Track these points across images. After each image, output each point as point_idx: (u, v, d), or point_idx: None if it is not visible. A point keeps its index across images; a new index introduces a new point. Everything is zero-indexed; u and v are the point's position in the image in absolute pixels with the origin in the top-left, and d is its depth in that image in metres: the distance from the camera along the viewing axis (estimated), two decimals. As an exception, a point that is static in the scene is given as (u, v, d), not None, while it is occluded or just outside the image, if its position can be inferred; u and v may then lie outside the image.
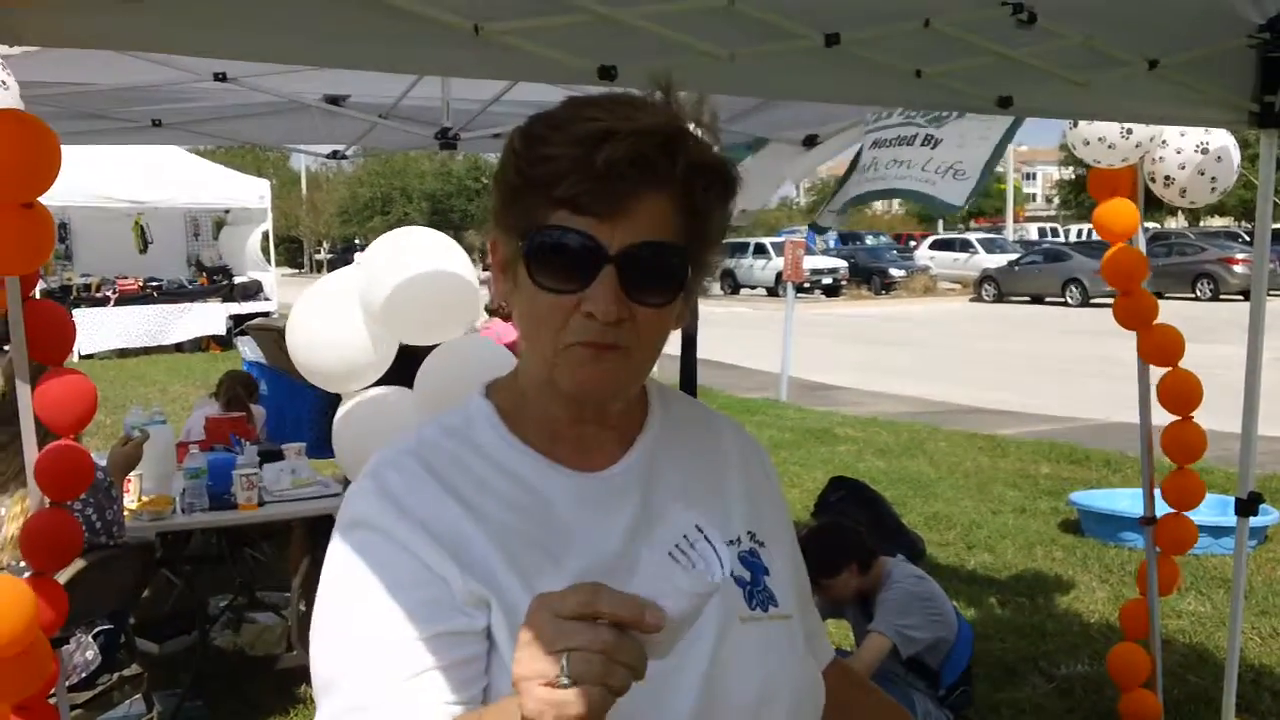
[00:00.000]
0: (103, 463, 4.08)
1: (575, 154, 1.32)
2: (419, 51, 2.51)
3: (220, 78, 5.08)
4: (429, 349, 4.72)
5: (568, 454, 1.48)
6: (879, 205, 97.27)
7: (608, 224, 1.34)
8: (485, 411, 1.52)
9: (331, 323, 4.66)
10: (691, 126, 1.41)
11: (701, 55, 2.67)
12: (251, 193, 24.65)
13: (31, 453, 3.10)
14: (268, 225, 25.43)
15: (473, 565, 1.36)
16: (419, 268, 4.42)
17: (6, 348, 6.15)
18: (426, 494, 1.40)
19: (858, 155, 5.50)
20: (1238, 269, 32.55)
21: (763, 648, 1.48)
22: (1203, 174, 4.51)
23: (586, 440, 1.50)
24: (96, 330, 22.14)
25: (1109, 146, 4.46)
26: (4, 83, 2.97)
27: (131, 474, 5.25)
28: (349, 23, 2.37)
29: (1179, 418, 4.70)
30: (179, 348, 23.53)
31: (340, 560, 1.40)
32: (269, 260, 25.86)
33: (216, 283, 24.70)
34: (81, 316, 21.51)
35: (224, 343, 23.18)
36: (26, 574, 3.66)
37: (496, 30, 2.44)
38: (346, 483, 5.56)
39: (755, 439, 1.74)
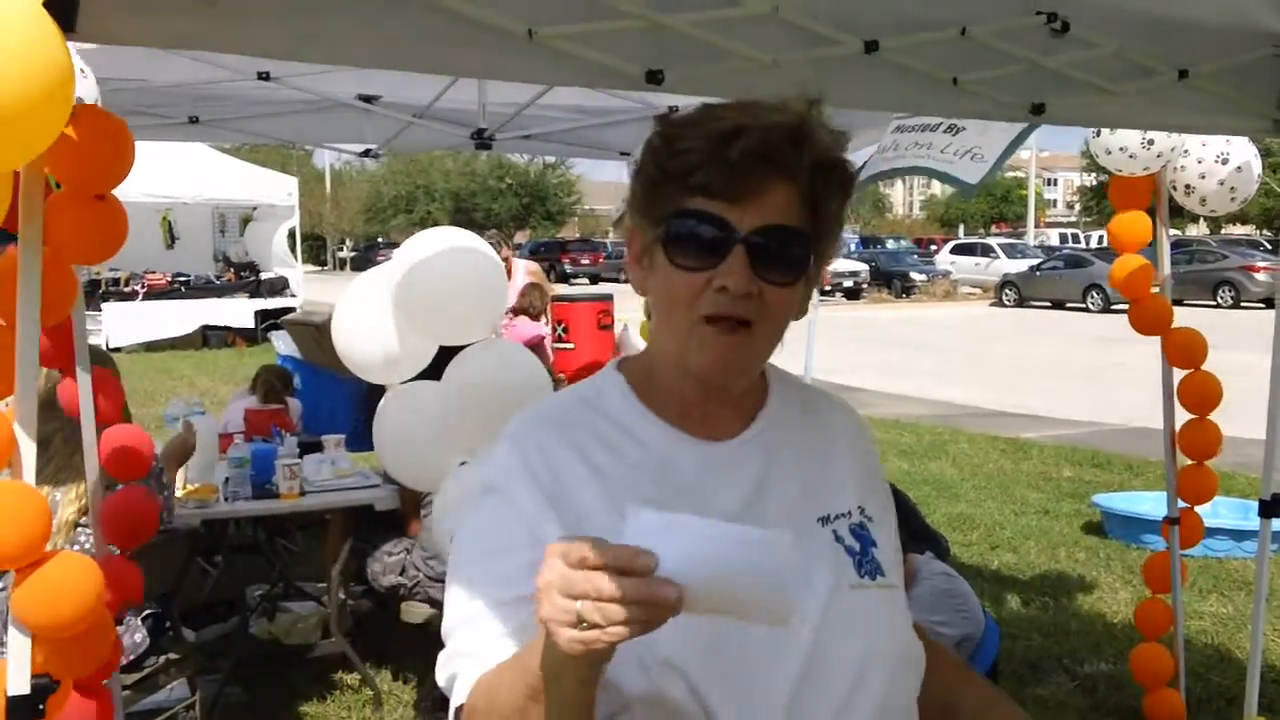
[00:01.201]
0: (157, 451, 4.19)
1: (710, 147, 1.47)
2: (473, 55, 2.59)
3: (264, 76, 5.20)
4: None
5: (692, 425, 1.61)
6: (900, 210, 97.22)
7: (738, 208, 1.49)
8: (617, 382, 1.66)
9: (369, 318, 4.76)
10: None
11: (746, 61, 2.75)
12: (279, 190, 24.75)
13: (91, 437, 3.20)
14: (294, 222, 25.55)
15: (579, 529, 1.46)
16: (446, 270, 4.52)
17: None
18: (555, 458, 1.55)
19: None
20: (1259, 277, 32.38)
21: (869, 614, 1.58)
22: (1223, 184, 4.59)
23: (711, 415, 1.62)
24: (125, 324, 22.32)
25: (1130, 156, 4.54)
26: (82, 70, 3.06)
27: (177, 463, 5.36)
28: (407, 26, 2.45)
29: (1197, 417, 4.79)
30: (205, 342, 23.69)
31: (469, 521, 1.58)
32: (295, 256, 25.98)
33: (244, 278, 24.87)
34: (110, 310, 21.70)
35: (250, 338, 23.32)
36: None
37: (549, 35, 2.53)
38: (385, 475, 5.66)
39: (864, 421, 1.85)
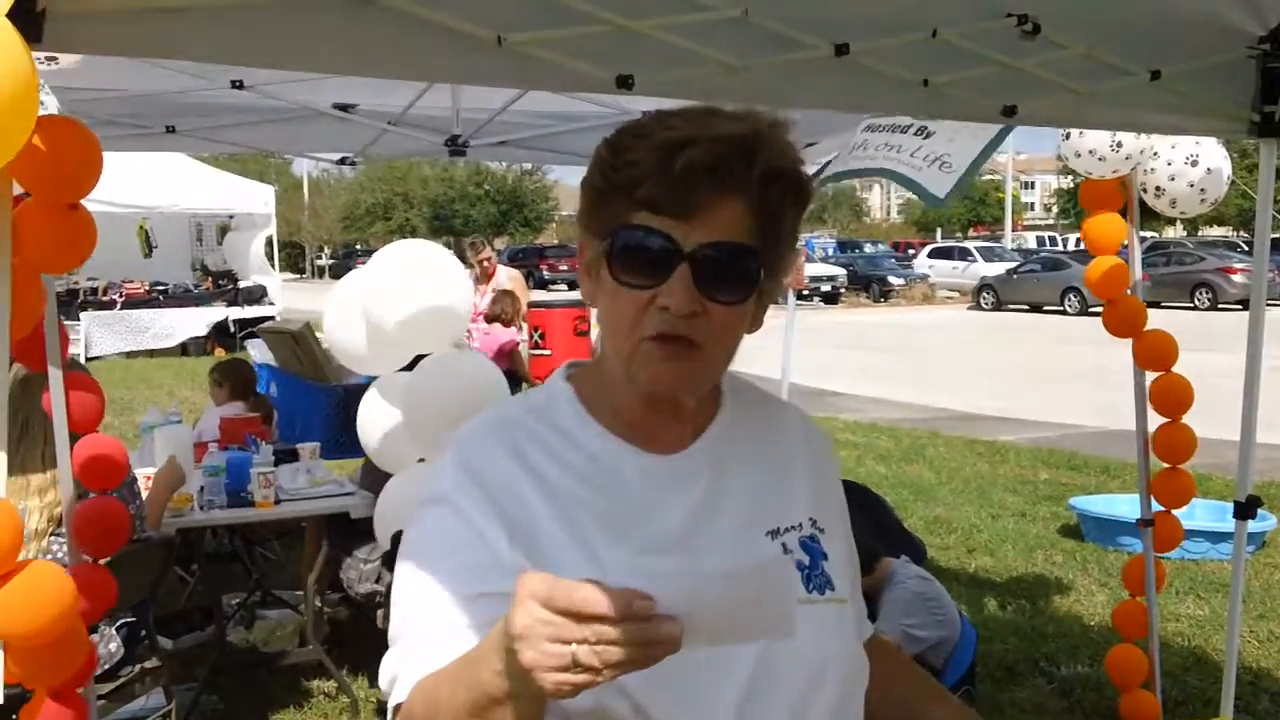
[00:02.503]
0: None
1: (656, 159, 1.43)
2: (444, 61, 2.58)
3: (238, 85, 5.19)
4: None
5: (640, 438, 1.58)
6: (878, 214, 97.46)
7: (684, 224, 1.44)
8: (565, 393, 1.63)
9: (354, 317, 4.82)
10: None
11: (716, 65, 2.75)
12: (256, 198, 24.73)
13: (64, 446, 3.18)
14: (271, 230, 25.50)
15: (525, 537, 1.46)
16: (408, 287, 4.57)
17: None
18: (501, 467, 1.52)
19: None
20: (1236, 278, 32.56)
21: (818, 630, 1.56)
22: (1193, 185, 4.60)
23: (659, 428, 1.59)
24: (104, 333, 22.24)
25: (1099, 159, 4.55)
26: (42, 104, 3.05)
27: (150, 471, 5.33)
28: (376, 32, 2.45)
29: (1170, 420, 4.80)
30: (184, 350, 23.61)
31: (415, 530, 1.53)
32: (273, 265, 25.90)
33: (221, 287, 24.79)
34: (88, 320, 21.60)
35: (229, 347, 23.24)
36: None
37: (519, 40, 2.52)
38: (360, 483, 5.65)
39: (822, 429, 1.83)
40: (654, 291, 1.46)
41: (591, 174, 1.54)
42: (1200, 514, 8.12)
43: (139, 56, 2.61)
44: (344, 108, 5.93)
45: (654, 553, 1.48)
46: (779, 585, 1.16)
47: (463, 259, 6.26)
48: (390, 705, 1.44)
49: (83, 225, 2.63)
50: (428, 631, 1.43)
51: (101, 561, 3.25)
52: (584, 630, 1.11)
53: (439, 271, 4.65)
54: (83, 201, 2.70)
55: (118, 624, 4.44)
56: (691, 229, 1.44)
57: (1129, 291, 4.85)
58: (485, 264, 11.08)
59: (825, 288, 40.06)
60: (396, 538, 4.40)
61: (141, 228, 24.44)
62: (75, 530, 3.14)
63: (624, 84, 2.68)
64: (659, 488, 1.55)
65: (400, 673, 1.43)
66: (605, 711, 1.41)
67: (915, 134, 4.82)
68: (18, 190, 2.47)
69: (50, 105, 3.08)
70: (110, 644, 4.38)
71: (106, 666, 4.35)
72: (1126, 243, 4.96)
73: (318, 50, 2.46)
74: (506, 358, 9.85)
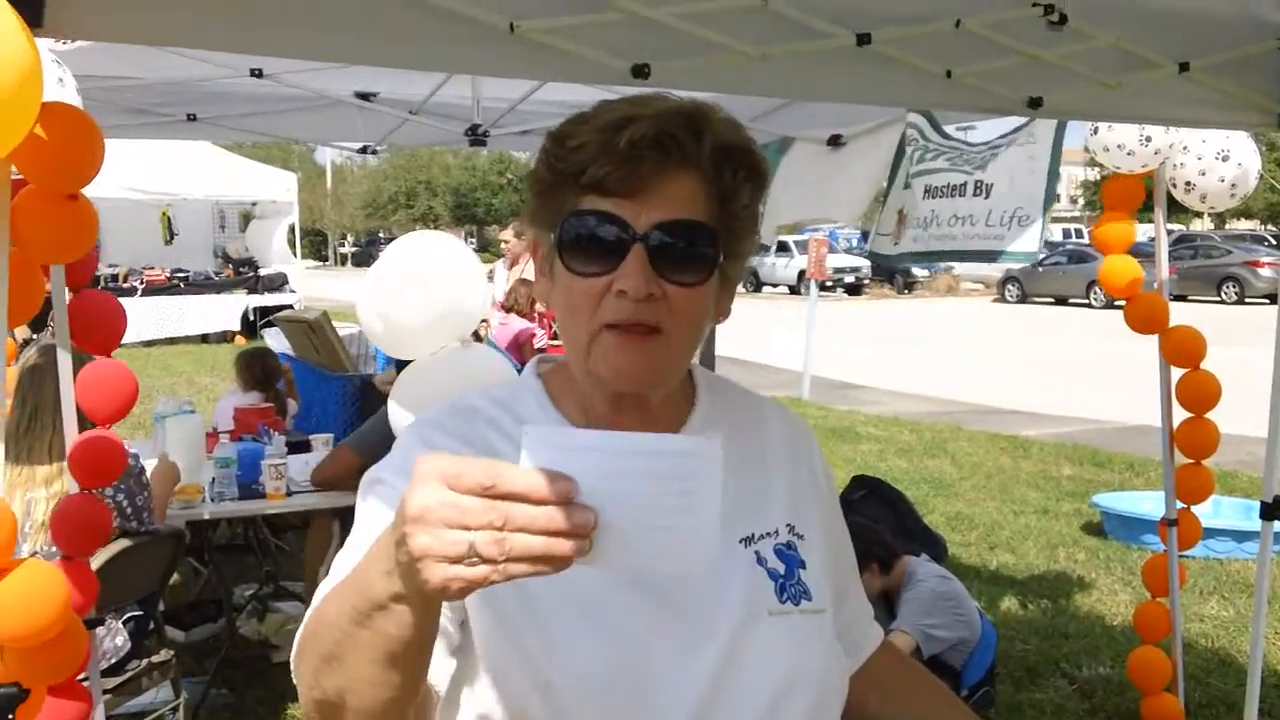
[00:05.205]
0: (134, 450, 4.13)
1: (600, 139, 1.37)
2: (455, 50, 2.53)
3: (256, 74, 5.18)
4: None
5: None
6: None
7: (634, 204, 1.38)
8: (534, 387, 1.58)
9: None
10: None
11: (734, 54, 2.70)
12: (278, 186, 24.76)
13: (73, 436, 3.15)
14: (294, 218, 25.53)
15: None
16: (416, 287, 4.54)
17: (37, 336, 6.23)
18: (456, 450, 1.44)
19: (896, 164, 5.52)
20: (1263, 272, 32.28)
21: (788, 642, 1.49)
22: (1222, 180, 4.54)
23: (627, 429, 1.50)
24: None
25: (1128, 153, 4.49)
26: (60, 80, 3.01)
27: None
28: (387, 21, 2.40)
29: (1193, 415, 4.74)
30: (204, 339, 23.68)
31: (359, 507, 1.47)
32: (295, 253, 25.93)
33: (243, 275, 24.83)
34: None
35: (249, 334, 23.29)
36: (57, 558, 3.72)
37: (532, 29, 2.47)
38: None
39: (806, 425, 1.75)
40: (609, 278, 1.39)
41: (537, 168, 1.47)
42: (1226, 512, 8.04)
43: (142, 44, 2.53)
44: (365, 96, 5.90)
45: None
46: (708, 468, 1.04)
47: (486, 247, 6.17)
48: (293, 652, 1.34)
49: (83, 216, 2.59)
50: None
51: (104, 557, 3.21)
52: (491, 514, 0.99)
53: (448, 269, 4.59)
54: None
55: (125, 617, 4.41)
56: (642, 208, 1.38)
57: (1153, 287, 4.79)
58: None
59: (849, 279, 39.98)
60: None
61: (164, 214, 24.49)
62: (53, 528, 3.10)
63: (640, 74, 2.63)
64: None
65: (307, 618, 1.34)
66: None
67: (975, 194, 4.81)
68: (15, 176, 2.43)
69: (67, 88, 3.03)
70: (117, 638, 4.34)
71: (114, 660, 4.31)
72: (1153, 237, 4.90)
73: (325, 39, 2.42)
74: (520, 349, 9.76)
